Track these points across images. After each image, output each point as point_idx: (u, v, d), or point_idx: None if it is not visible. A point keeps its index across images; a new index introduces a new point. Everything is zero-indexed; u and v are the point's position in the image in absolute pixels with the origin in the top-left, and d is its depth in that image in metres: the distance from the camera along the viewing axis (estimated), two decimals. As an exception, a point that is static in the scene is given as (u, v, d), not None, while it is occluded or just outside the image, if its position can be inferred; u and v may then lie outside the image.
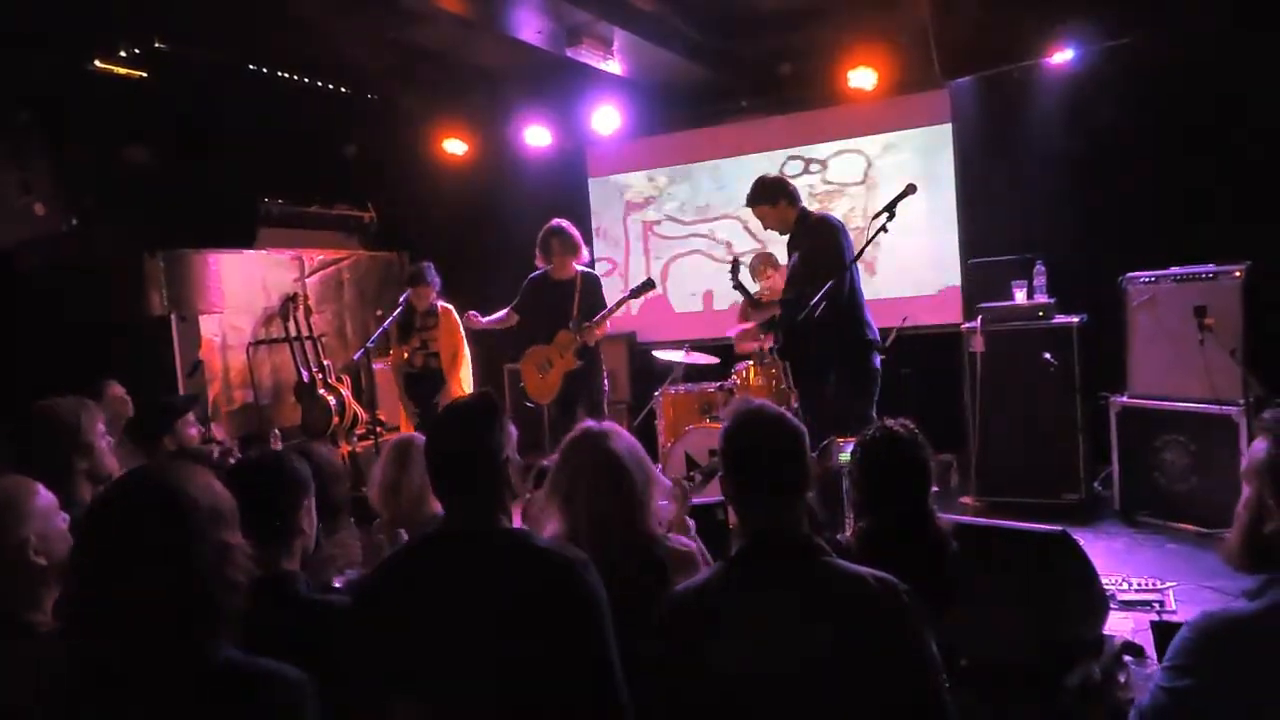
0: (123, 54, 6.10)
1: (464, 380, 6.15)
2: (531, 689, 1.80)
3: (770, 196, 4.89)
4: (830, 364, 4.72)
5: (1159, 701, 1.67)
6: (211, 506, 1.49)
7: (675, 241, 7.89)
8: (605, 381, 5.86)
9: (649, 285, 5.62)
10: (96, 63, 6.08)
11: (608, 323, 5.63)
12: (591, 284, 5.72)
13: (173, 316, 6.21)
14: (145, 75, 6.27)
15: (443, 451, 1.98)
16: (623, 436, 2.39)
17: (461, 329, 6.13)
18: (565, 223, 5.70)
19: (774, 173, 4.95)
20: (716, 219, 7.71)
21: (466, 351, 6.16)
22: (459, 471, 1.95)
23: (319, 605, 2.13)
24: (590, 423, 2.45)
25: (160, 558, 1.43)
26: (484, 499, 1.95)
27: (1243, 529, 1.73)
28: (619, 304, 5.61)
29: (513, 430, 2.04)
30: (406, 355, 6.10)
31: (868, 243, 4.72)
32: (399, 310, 6.03)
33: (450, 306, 6.21)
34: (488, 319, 5.90)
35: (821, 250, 4.72)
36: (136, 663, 1.43)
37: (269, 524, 2.11)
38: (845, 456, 4.54)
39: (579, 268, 5.71)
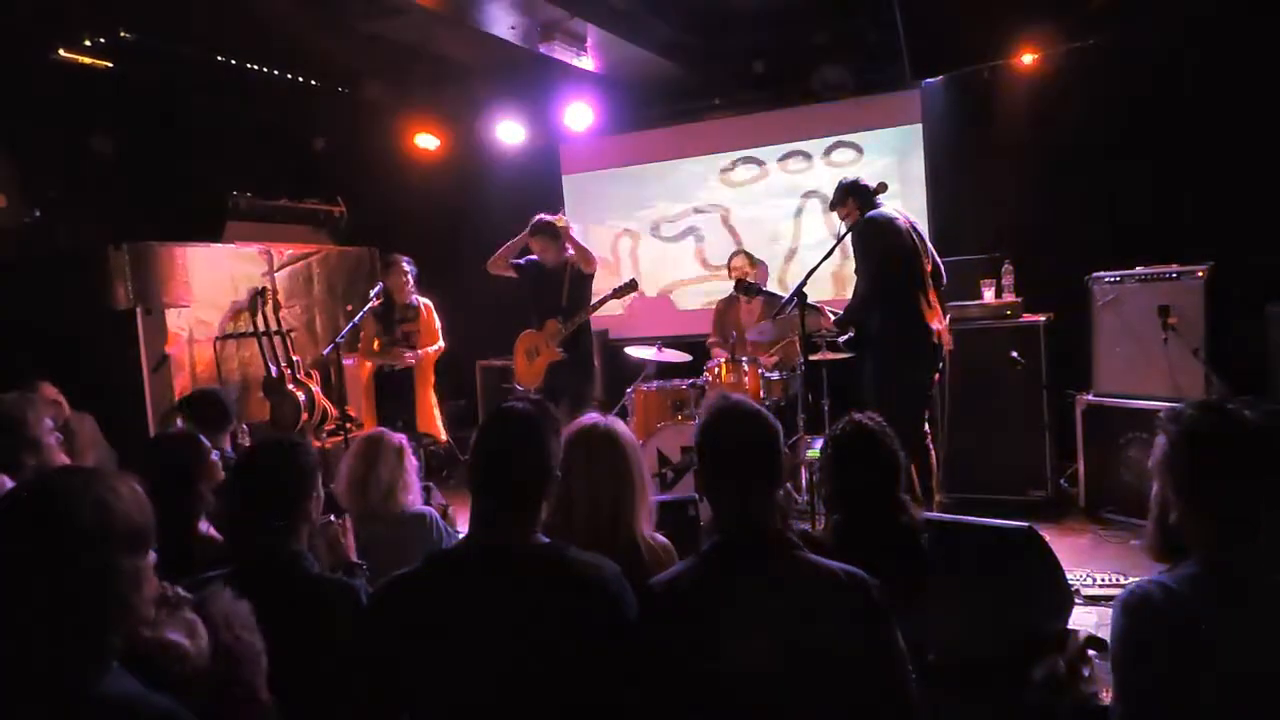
0: (87, 43, 6.00)
1: (431, 367, 6.14)
2: (561, 704, 1.79)
3: (840, 199, 4.94)
4: (867, 356, 4.81)
5: (1120, 693, 1.71)
6: (99, 524, 1.38)
7: (647, 238, 7.90)
8: (595, 378, 5.84)
9: (631, 286, 5.63)
10: (60, 52, 5.97)
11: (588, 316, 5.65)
12: (579, 273, 5.70)
13: (138, 310, 6.11)
14: (111, 65, 6.17)
15: (498, 460, 1.92)
16: (628, 432, 2.39)
17: (439, 326, 6.11)
18: (543, 217, 5.68)
19: (852, 176, 4.97)
20: (690, 215, 7.72)
21: (441, 345, 6.15)
22: (512, 483, 1.90)
23: (326, 583, 2.22)
24: (596, 415, 2.43)
25: (27, 576, 1.35)
26: (526, 510, 1.90)
27: (1153, 521, 1.84)
28: (600, 303, 5.62)
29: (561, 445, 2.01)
30: (379, 346, 6.05)
31: (839, 241, 4.80)
32: (372, 304, 5.97)
33: (429, 303, 6.17)
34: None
35: (857, 252, 4.80)
36: (5, 689, 1.34)
37: (280, 510, 2.20)
38: (813, 453, 4.62)
39: (570, 255, 5.70)
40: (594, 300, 5.66)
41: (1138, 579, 4.04)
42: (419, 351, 6.05)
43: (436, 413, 6.23)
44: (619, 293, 5.59)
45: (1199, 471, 1.72)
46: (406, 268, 6.05)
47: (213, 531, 2.78)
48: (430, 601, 1.85)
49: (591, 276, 5.72)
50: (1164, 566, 1.80)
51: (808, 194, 7.23)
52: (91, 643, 1.38)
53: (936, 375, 4.88)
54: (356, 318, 5.88)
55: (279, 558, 2.18)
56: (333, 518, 2.85)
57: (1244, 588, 1.66)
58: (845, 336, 4.93)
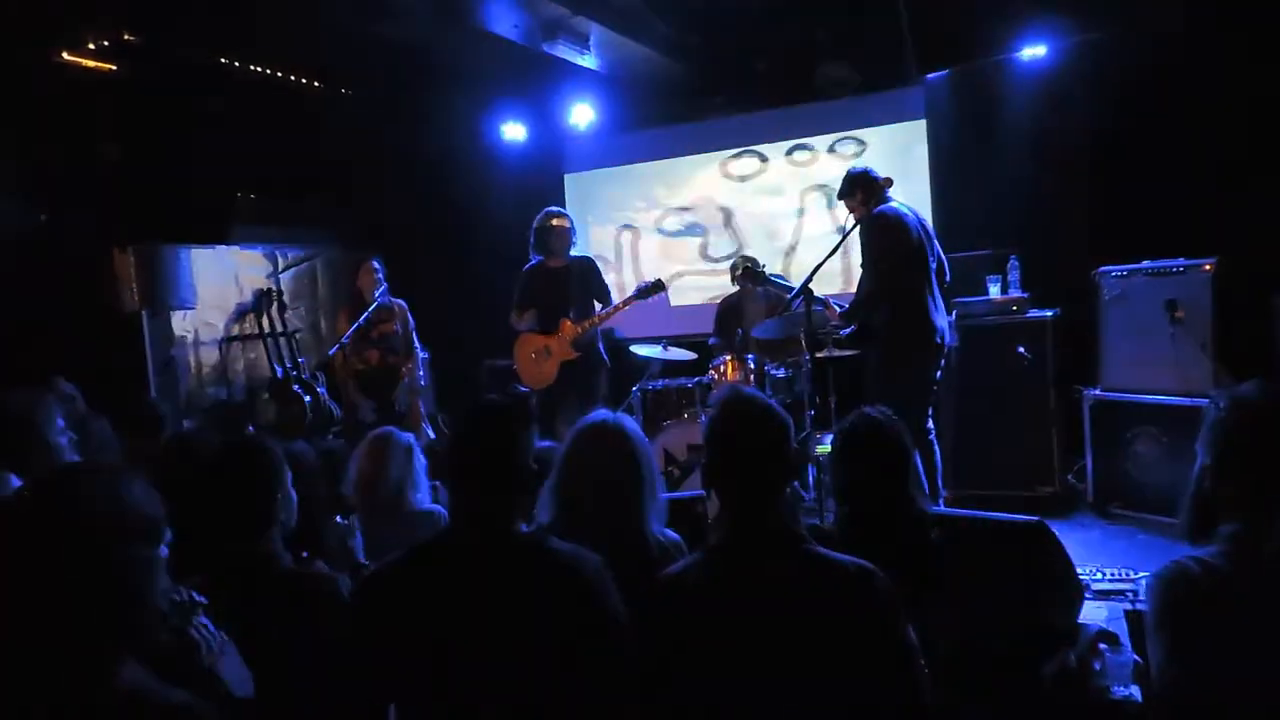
0: (92, 46, 6.01)
1: (417, 371, 6.12)
2: (550, 692, 1.79)
3: (848, 190, 4.90)
4: (872, 353, 4.80)
5: (1163, 666, 1.72)
6: (112, 516, 1.39)
7: (650, 237, 7.89)
8: (606, 377, 5.80)
9: (659, 286, 5.56)
10: (65, 55, 5.99)
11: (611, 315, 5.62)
12: (586, 269, 5.68)
13: (144, 312, 6.13)
14: (115, 68, 6.18)
15: (472, 452, 1.95)
16: (637, 429, 2.39)
17: (412, 324, 6.09)
18: (553, 211, 5.68)
19: (861, 165, 4.96)
20: (692, 211, 7.71)
21: (417, 345, 6.14)
22: (486, 474, 1.92)
23: (304, 577, 2.22)
24: (605, 411, 2.43)
25: (42, 569, 1.35)
26: (507, 504, 1.92)
27: (1190, 497, 1.87)
28: (625, 303, 5.57)
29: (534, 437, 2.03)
30: (344, 358, 5.95)
31: (845, 235, 4.80)
32: (378, 302, 5.94)
33: (404, 304, 6.13)
34: (524, 327, 5.76)
35: (864, 246, 4.78)
36: (22, 683, 1.34)
37: (247, 513, 2.18)
38: (823, 449, 4.61)
39: (573, 254, 5.68)
40: (619, 300, 5.61)
41: (1146, 573, 4.04)
42: (417, 382, 6.01)
43: (423, 417, 6.17)
44: (644, 293, 5.53)
45: (1242, 442, 1.76)
46: (376, 266, 6.02)
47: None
48: (410, 592, 1.87)
49: (596, 269, 5.72)
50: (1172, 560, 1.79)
51: (810, 189, 7.23)
52: (106, 634, 1.38)
53: (940, 372, 4.87)
54: (361, 318, 5.86)
55: (251, 560, 2.17)
56: (339, 518, 2.86)
57: (1276, 560, 1.68)
58: (848, 330, 4.92)
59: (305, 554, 2.48)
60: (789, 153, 7.30)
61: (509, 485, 1.92)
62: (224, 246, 7.00)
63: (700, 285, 7.69)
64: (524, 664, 1.78)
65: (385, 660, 1.83)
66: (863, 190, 4.82)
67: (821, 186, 7.16)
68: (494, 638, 1.79)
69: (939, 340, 4.70)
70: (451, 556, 1.91)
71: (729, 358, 5.60)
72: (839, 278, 6.82)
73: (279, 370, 6.62)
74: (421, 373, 6.13)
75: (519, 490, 1.95)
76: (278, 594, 2.10)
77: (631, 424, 2.39)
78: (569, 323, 5.54)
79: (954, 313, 5.45)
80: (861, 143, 7.03)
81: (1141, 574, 4.07)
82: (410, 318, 6.12)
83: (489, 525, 1.90)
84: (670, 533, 2.39)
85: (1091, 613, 3.51)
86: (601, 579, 1.87)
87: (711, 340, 6.33)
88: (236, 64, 6.62)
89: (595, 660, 1.82)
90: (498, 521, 1.90)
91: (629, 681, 1.83)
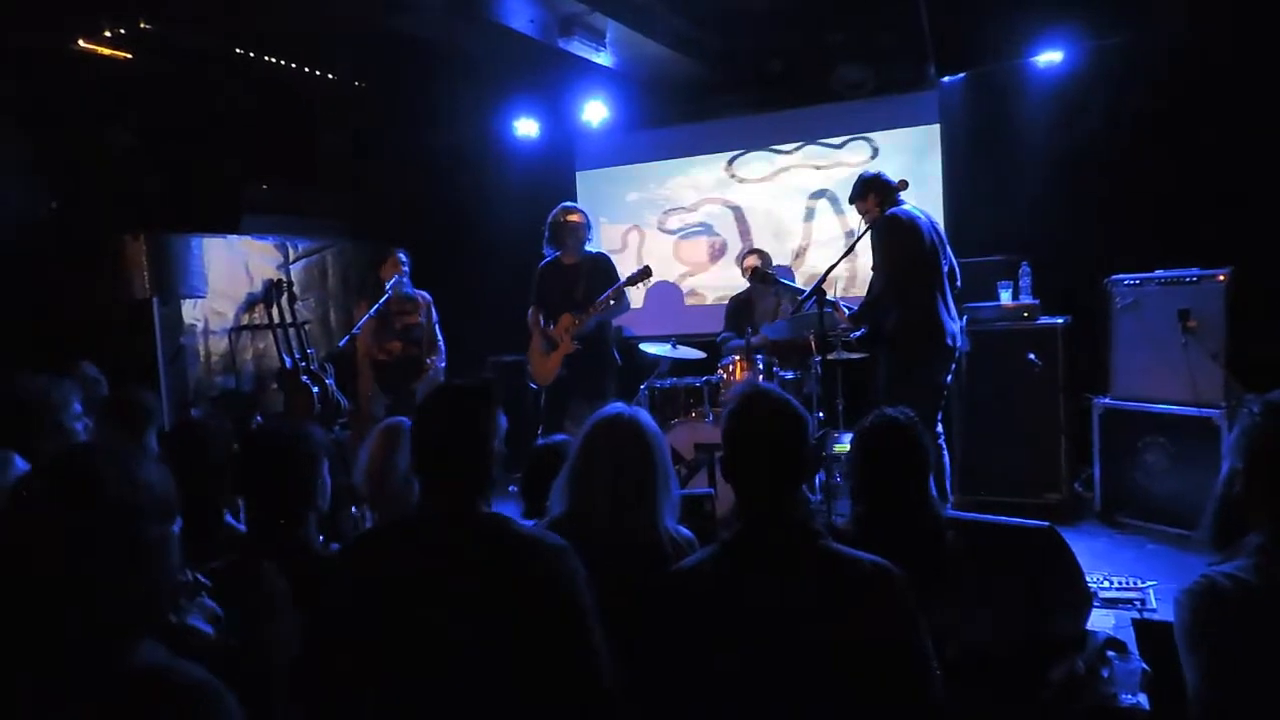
0: (107, 34, 6.02)
1: (438, 368, 6.12)
2: (510, 674, 1.79)
3: (860, 193, 4.90)
4: (881, 355, 4.80)
5: (1198, 684, 1.70)
6: (125, 494, 1.37)
7: (657, 234, 7.89)
8: (613, 372, 5.78)
9: (646, 273, 5.59)
10: (80, 43, 6.00)
11: (610, 306, 5.59)
12: (598, 266, 5.67)
13: (155, 300, 6.14)
14: (130, 56, 6.20)
15: (431, 430, 1.97)
16: (652, 422, 2.39)
17: (435, 317, 6.09)
18: (569, 206, 5.68)
19: (874, 169, 4.97)
20: (702, 212, 7.70)
21: (440, 338, 6.14)
22: (444, 452, 1.94)
23: (329, 562, 2.22)
24: (621, 405, 2.42)
25: (57, 549, 1.33)
26: (467, 482, 1.93)
27: (1216, 501, 1.87)
28: (615, 289, 5.58)
29: (503, 421, 2.04)
30: (365, 347, 5.95)
31: (859, 238, 4.80)
32: (388, 297, 5.95)
33: (428, 295, 6.14)
34: (537, 332, 5.79)
35: (876, 249, 4.78)
36: (36, 664, 1.32)
37: (286, 498, 2.22)
38: (840, 447, 4.60)
39: (587, 250, 5.67)
40: (608, 289, 5.60)
41: (1154, 583, 4.03)
42: (440, 375, 6.01)
43: None
44: (633, 280, 5.54)
45: (1275, 448, 1.73)
46: (402, 259, 6.03)
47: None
48: (376, 567, 1.91)
49: (610, 266, 5.70)
50: (1181, 583, 1.77)
51: (819, 193, 7.22)
52: (123, 613, 1.38)
53: (950, 376, 4.87)
54: (373, 309, 5.86)
55: (287, 545, 2.18)
56: (354, 509, 2.86)
57: None
58: (858, 332, 4.92)
59: (321, 538, 2.49)
60: (802, 154, 7.29)
61: (468, 464, 1.94)
62: (235, 236, 7.01)
63: (710, 285, 7.69)
64: (482, 643, 1.79)
65: (351, 624, 1.86)
66: (875, 193, 4.81)
67: (830, 191, 7.14)
68: (453, 615, 1.79)
69: (950, 344, 4.70)
70: (414, 534, 1.94)
71: (738, 357, 5.60)
72: (847, 281, 6.82)
73: (288, 360, 6.63)
74: (443, 365, 6.13)
75: (480, 470, 1.96)
76: (313, 578, 2.11)
77: (646, 417, 2.38)
78: (568, 315, 5.53)
79: (964, 318, 5.44)
80: (874, 146, 7.01)
81: (1149, 583, 4.05)
82: (434, 310, 6.13)
83: (448, 504, 1.92)
84: (684, 529, 2.38)
85: (1099, 621, 3.49)
86: (564, 560, 1.87)
87: (721, 335, 6.33)
88: (251, 55, 6.63)
89: (557, 642, 1.81)
90: (457, 500, 1.92)
91: (593, 665, 1.83)
